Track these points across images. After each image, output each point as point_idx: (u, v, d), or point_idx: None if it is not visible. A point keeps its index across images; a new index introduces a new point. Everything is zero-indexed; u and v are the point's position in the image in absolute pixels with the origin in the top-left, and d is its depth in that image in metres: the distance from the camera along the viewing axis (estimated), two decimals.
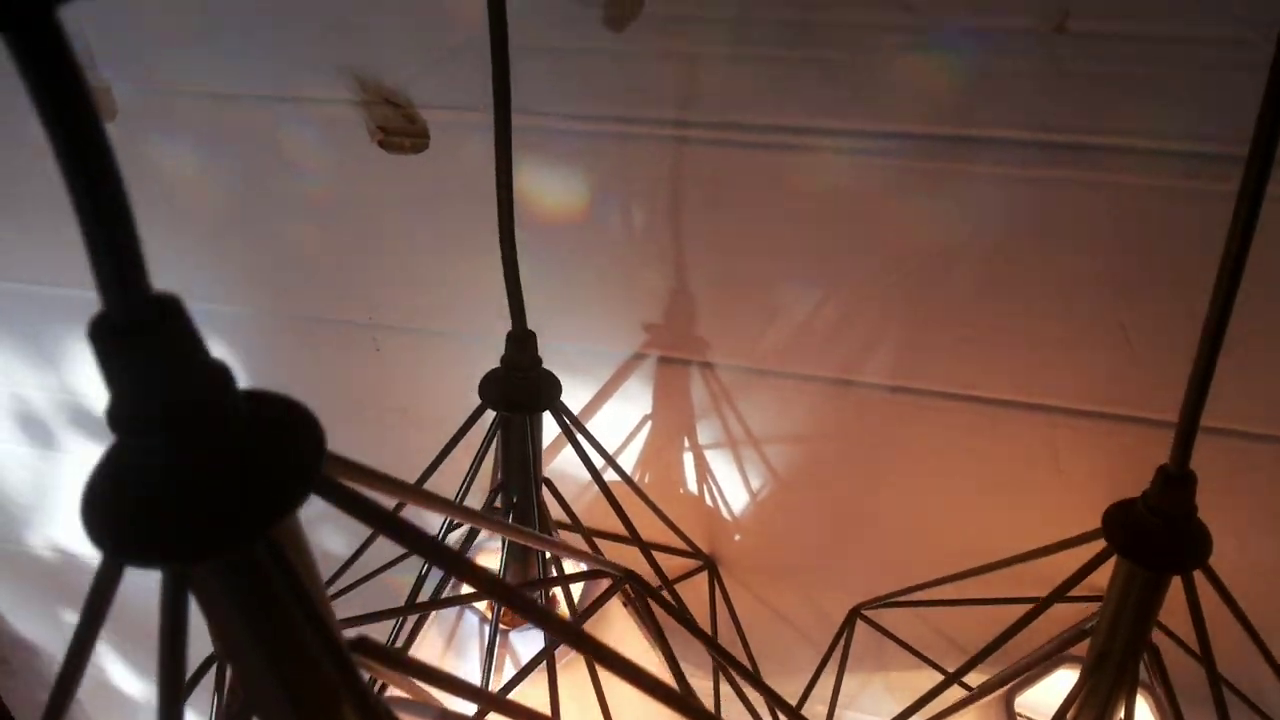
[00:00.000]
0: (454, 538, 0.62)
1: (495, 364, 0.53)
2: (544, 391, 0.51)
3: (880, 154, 0.53)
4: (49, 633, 1.07)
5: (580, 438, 0.56)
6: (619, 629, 0.59)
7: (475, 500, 0.60)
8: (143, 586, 0.78)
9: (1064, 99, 0.50)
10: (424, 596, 0.58)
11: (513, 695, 0.46)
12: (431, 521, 0.70)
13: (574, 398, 0.67)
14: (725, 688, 0.73)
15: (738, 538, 0.72)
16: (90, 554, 0.94)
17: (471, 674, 0.55)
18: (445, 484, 0.58)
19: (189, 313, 0.17)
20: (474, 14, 0.54)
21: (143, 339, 0.16)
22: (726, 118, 0.54)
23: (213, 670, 0.53)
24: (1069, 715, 0.47)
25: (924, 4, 0.49)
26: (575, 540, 0.65)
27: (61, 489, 0.90)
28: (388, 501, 0.36)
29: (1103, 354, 0.56)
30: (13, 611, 1.06)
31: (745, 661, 0.73)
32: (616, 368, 0.66)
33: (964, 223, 0.54)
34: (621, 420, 0.68)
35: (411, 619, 0.57)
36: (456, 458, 0.58)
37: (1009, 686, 0.54)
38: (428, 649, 0.58)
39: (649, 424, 0.68)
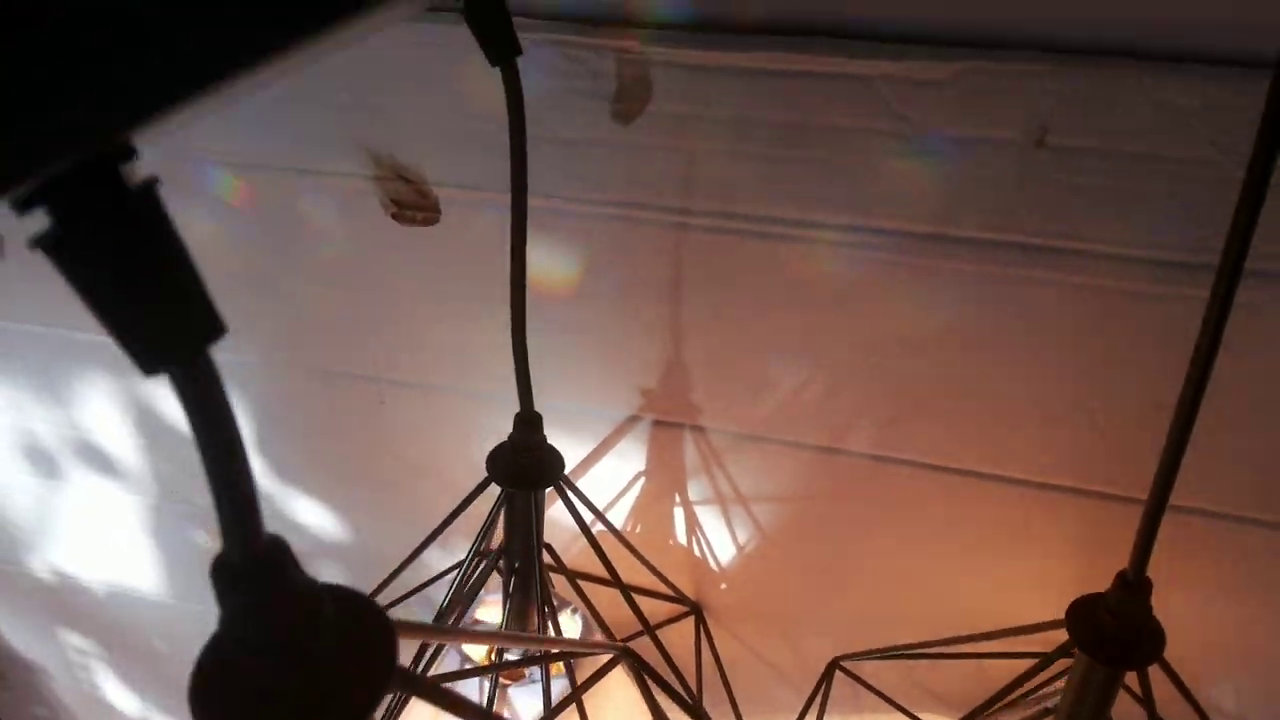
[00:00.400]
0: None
1: (497, 419, 0.56)
2: (548, 469, 0.54)
3: (869, 248, 0.57)
4: (46, 651, 1.10)
5: (579, 504, 0.59)
6: (618, 698, 0.62)
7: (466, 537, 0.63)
8: (141, 615, 0.80)
9: (1041, 206, 0.53)
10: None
11: None
12: (433, 563, 0.73)
13: (571, 453, 0.70)
14: None
15: (724, 586, 0.75)
16: (87, 577, 0.96)
17: None
18: (451, 536, 0.61)
19: (293, 551, 0.20)
20: (488, 97, 0.57)
21: (256, 578, 0.19)
22: (725, 208, 0.57)
23: None
24: None
25: (914, 113, 0.52)
26: (567, 590, 0.68)
27: (63, 516, 0.93)
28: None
29: (1072, 435, 0.60)
30: (11, 630, 1.08)
31: (728, 703, 0.76)
32: (613, 428, 0.69)
33: (945, 312, 0.57)
34: (616, 476, 0.71)
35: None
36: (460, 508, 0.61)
37: None
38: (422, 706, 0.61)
39: (642, 479, 0.71)
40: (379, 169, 0.61)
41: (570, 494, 0.57)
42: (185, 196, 0.66)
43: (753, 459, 0.67)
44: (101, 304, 0.15)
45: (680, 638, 0.77)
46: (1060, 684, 0.53)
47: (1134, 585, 0.42)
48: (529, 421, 0.53)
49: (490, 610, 0.65)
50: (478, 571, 0.59)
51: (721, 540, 0.72)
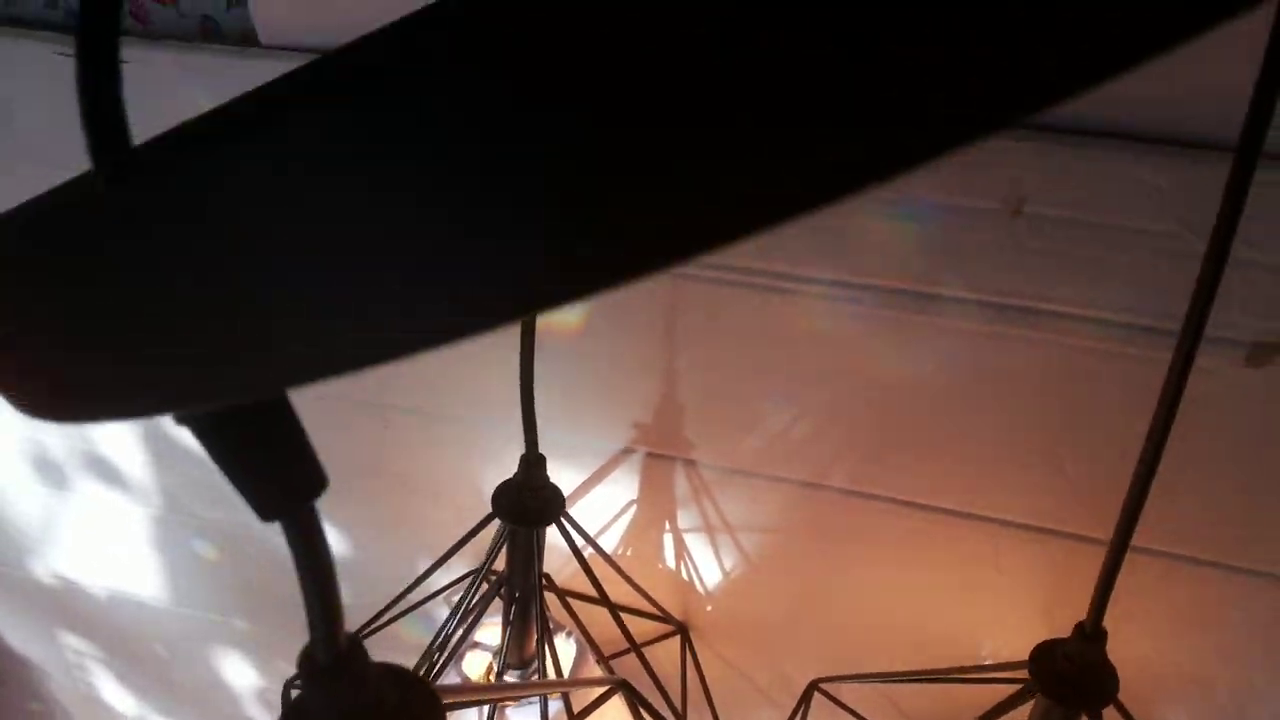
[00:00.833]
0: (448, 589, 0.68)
1: (498, 444, 0.59)
2: (550, 508, 0.57)
3: (854, 301, 0.60)
4: (45, 651, 1.12)
5: (576, 537, 0.62)
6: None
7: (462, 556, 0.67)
8: (142, 620, 0.84)
9: (1018, 269, 0.57)
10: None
11: None
12: (431, 579, 0.76)
13: (567, 481, 0.74)
14: None
15: (709, 609, 0.79)
16: (89, 582, 0.99)
17: None
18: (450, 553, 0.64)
19: (366, 650, 0.23)
20: None
21: (338, 674, 0.22)
22: (720, 260, 0.61)
23: None
24: None
25: (902, 180, 0.56)
26: (561, 613, 0.72)
27: (68, 523, 0.95)
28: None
29: (1041, 479, 0.63)
30: (10, 630, 1.11)
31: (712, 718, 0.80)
32: (608, 458, 0.72)
33: (923, 363, 0.61)
34: (610, 503, 0.75)
35: None
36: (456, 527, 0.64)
37: None
38: None
39: (635, 507, 0.75)
40: None
41: (569, 528, 0.60)
42: None
43: (740, 491, 0.71)
44: (231, 473, 0.19)
45: (668, 656, 0.80)
46: (1026, 709, 0.57)
47: (1091, 637, 0.46)
48: (534, 463, 0.56)
49: (489, 631, 0.69)
50: (478, 595, 0.63)
51: (708, 565, 0.76)
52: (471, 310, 0.12)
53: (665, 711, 0.55)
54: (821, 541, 0.71)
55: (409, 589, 0.66)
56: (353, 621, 0.84)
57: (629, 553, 0.78)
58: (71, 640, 1.08)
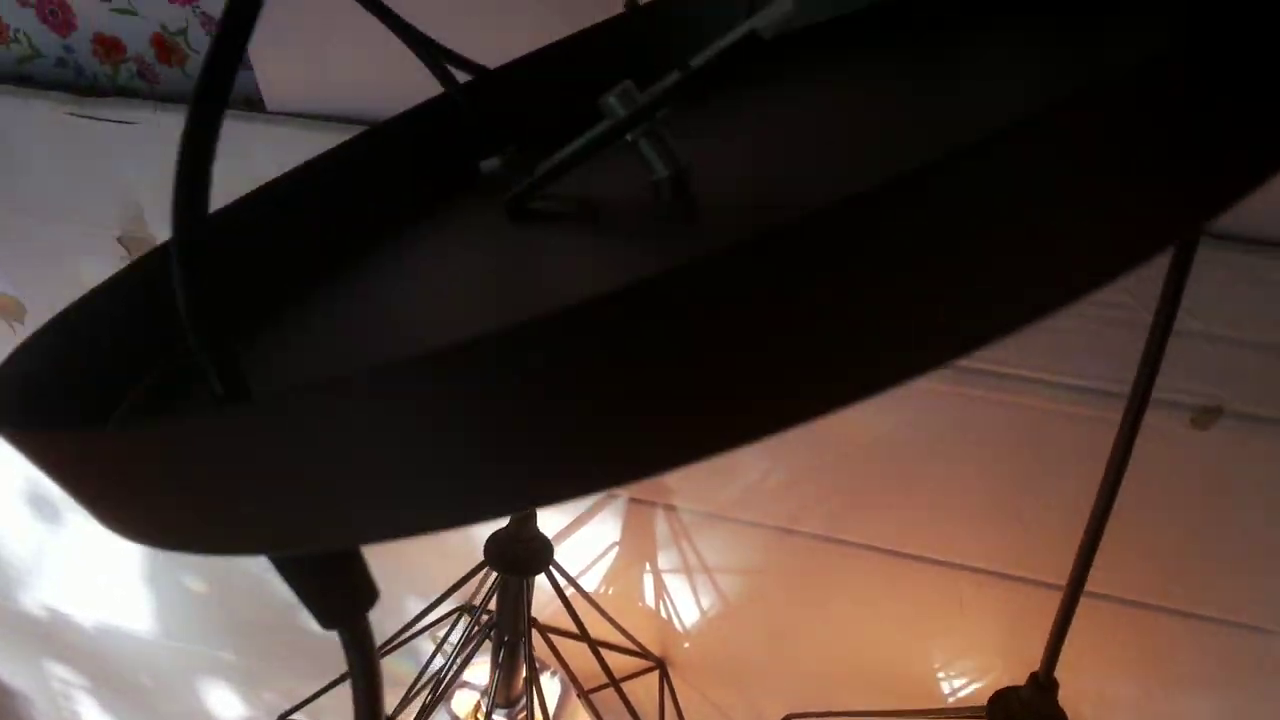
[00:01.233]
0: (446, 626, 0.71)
1: None
2: (540, 558, 0.60)
3: None
4: (32, 681, 1.14)
5: (563, 582, 0.65)
6: None
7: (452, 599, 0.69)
8: (129, 651, 0.87)
9: None
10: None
11: None
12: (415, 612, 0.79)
13: (553, 523, 0.77)
14: None
15: (687, 645, 0.82)
16: (78, 614, 1.01)
17: None
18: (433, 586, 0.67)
19: None
20: None
21: None
22: None
23: None
24: None
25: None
26: (545, 651, 0.75)
27: (58, 557, 0.97)
28: None
29: (1001, 528, 0.67)
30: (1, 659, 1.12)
31: None
32: (592, 503, 0.75)
33: (893, 421, 0.65)
34: (594, 544, 0.78)
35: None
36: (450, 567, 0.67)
37: None
38: None
39: (616, 548, 0.78)
40: None
41: (556, 574, 0.63)
42: None
43: (718, 535, 0.74)
44: (299, 589, 0.22)
45: (647, 691, 0.83)
46: None
47: (1045, 686, 0.50)
48: (525, 516, 0.59)
49: (477, 670, 0.72)
50: (467, 637, 0.66)
51: (687, 605, 0.79)
52: (489, 509, 0.16)
53: None
54: (795, 583, 0.75)
55: (404, 631, 0.69)
56: (342, 656, 0.86)
57: (611, 591, 0.81)
58: (58, 670, 1.09)
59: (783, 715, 0.79)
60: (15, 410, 0.27)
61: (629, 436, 0.17)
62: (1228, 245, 0.56)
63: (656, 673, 0.83)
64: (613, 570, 0.79)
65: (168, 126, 0.67)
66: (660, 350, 0.16)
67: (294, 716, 0.79)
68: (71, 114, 0.67)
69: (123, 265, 0.74)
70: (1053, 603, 0.54)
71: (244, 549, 0.19)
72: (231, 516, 0.18)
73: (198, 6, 0.65)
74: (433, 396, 0.16)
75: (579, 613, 0.71)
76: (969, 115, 0.28)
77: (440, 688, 0.66)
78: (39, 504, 0.92)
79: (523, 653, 0.63)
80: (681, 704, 0.83)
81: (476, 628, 0.64)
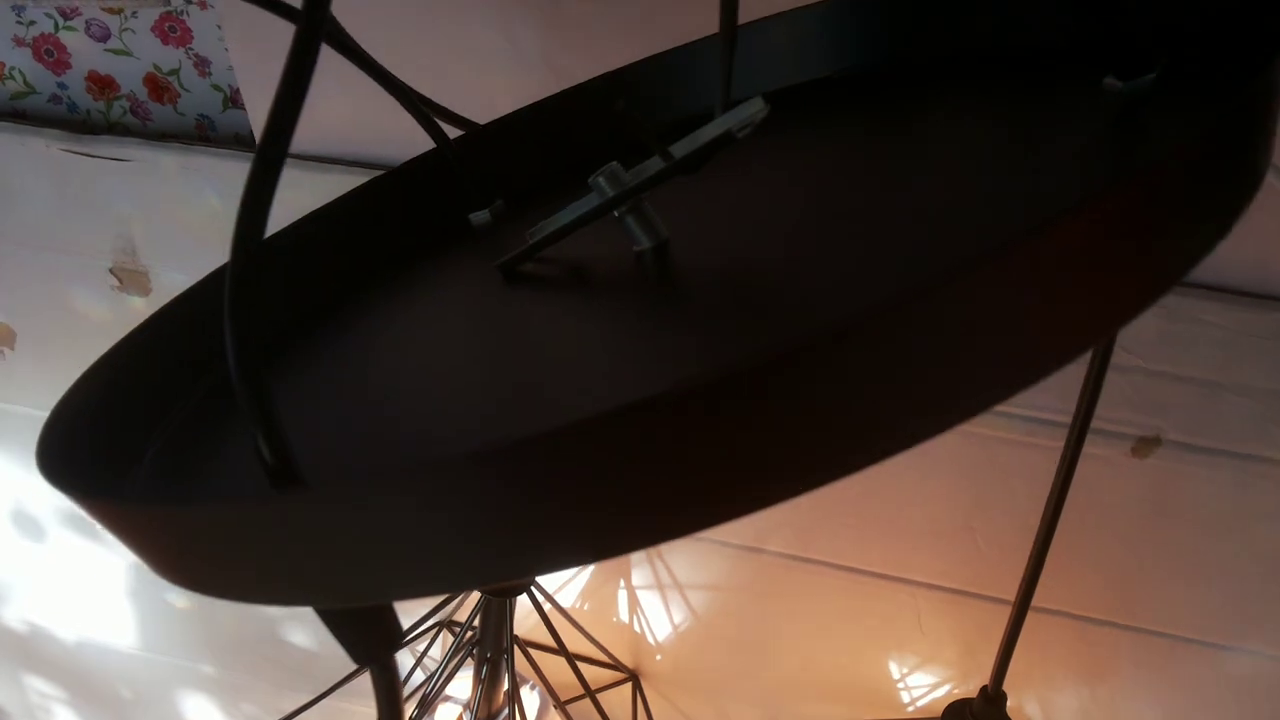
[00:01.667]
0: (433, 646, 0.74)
1: None
2: (524, 579, 0.63)
3: None
4: (11, 694, 1.15)
5: (544, 603, 0.69)
6: None
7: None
8: (109, 664, 0.89)
9: None
10: None
11: None
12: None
13: None
14: None
15: (659, 658, 0.86)
16: (59, 628, 1.03)
17: None
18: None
19: None
20: None
21: None
22: None
23: None
24: None
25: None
26: (524, 665, 0.78)
27: (38, 572, 0.99)
28: None
29: (956, 547, 0.71)
30: None
31: None
32: None
33: None
34: None
35: None
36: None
37: None
38: None
39: (592, 566, 0.81)
40: None
41: (538, 594, 0.67)
42: None
43: (689, 553, 0.78)
44: (335, 630, 0.25)
45: (620, 701, 0.87)
46: None
47: (993, 698, 0.54)
48: None
49: (458, 684, 0.75)
50: (449, 649, 0.69)
51: (659, 618, 0.83)
52: (506, 575, 0.20)
53: None
54: (762, 599, 0.78)
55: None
56: (324, 669, 0.89)
57: (586, 607, 0.84)
58: (37, 683, 1.11)
59: None
60: (65, 461, 0.30)
61: (624, 520, 0.20)
62: None
63: (630, 684, 0.87)
64: (588, 586, 0.83)
65: (160, 163, 0.69)
66: (653, 453, 0.19)
67: None
68: (66, 150, 0.70)
69: (114, 294, 0.76)
70: (1005, 617, 0.58)
71: (285, 602, 0.22)
72: (275, 576, 0.21)
73: (191, 48, 0.68)
74: (469, 488, 0.19)
75: (555, 627, 0.74)
76: (924, 201, 0.31)
77: (425, 702, 0.69)
78: (21, 520, 0.94)
79: (505, 668, 0.66)
80: (653, 714, 0.87)
81: (460, 645, 0.67)
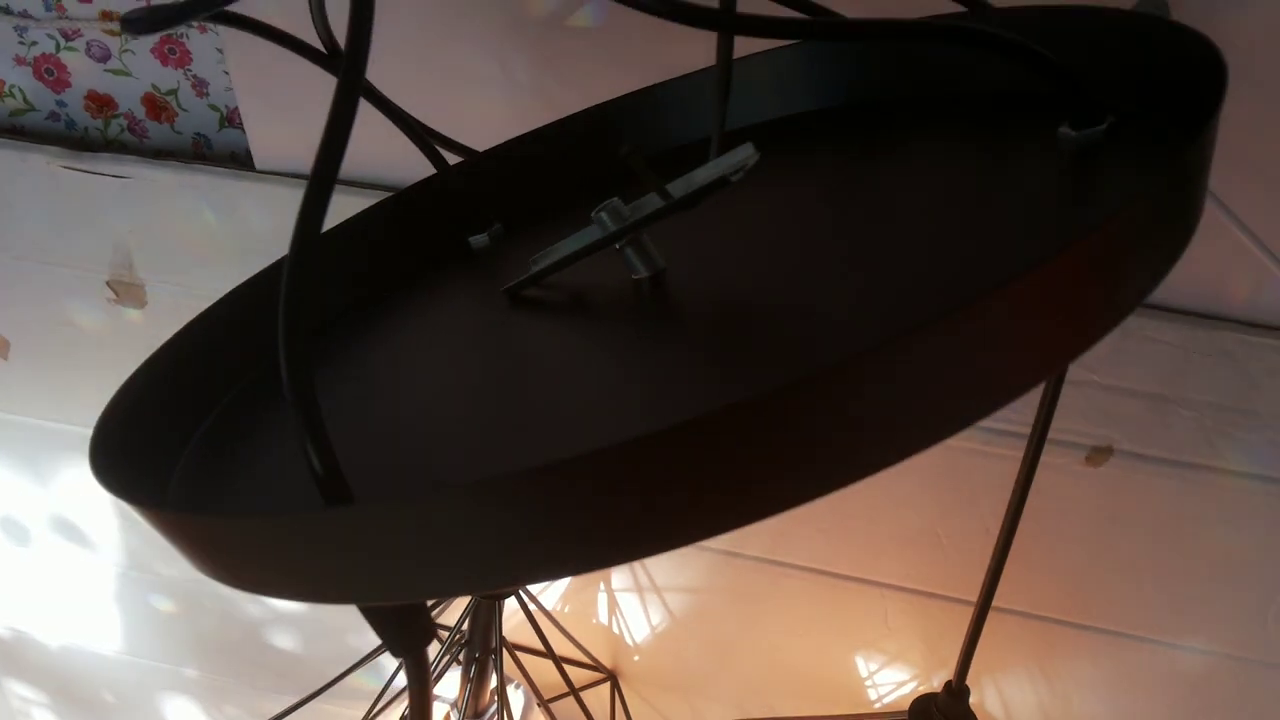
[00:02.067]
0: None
1: None
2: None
3: None
4: None
5: (530, 605, 0.71)
6: None
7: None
8: (92, 669, 0.92)
9: None
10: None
11: None
12: None
13: None
14: None
15: (637, 658, 0.89)
16: (42, 633, 1.04)
17: None
18: None
19: None
20: None
21: None
22: None
23: None
24: None
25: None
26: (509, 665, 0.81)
27: (23, 578, 1.00)
28: None
29: (922, 550, 0.75)
30: None
31: None
32: None
33: None
34: None
35: None
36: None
37: None
38: None
39: None
40: None
41: (524, 597, 0.69)
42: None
43: (666, 557, 0.81)
44: (376, 625, 0.28)
45: (600, 701, 0.90)
46: None
47: (957, 692, 0.57)
48: None
49: (445, 684, 0.77)
50: (438, 651, 0.71)
51: (637, 620, 0.86)
52: (531, 579, 0.23)
53: None
54: (736, 601, 0.82)
55: (372, 654, 0.74)
56: (306, 672, 0.91)
57: (567, 609, 0.87)
58: (18, 688, 1.12)
59: None
60: (118, 469, 0.32)
61: (642, 531, 0.23)
62: None
63: (609, 684, 0.90)
64: (569, 589, 0.86)
65: (157, 180, 0.71)
66: (661, 473, 0.22)
67: None
68: (66, 167, 0.72)
69: (109, 306, 0.78)
70: (968, 617, 0.61)
71: (330, 601, 0.25)
72: (323, 578, 0.24)
73: (189, 69, 0.70)
74: (508, 503, 0.22)
75: (542, 632, 0.77)
76: (901, 238, 0.35)
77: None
78: (6, 525, 0.95)
79: (493, 668, 0.69)
80: (631, 712, 0.90)
81: (449, 647, 0.69)
